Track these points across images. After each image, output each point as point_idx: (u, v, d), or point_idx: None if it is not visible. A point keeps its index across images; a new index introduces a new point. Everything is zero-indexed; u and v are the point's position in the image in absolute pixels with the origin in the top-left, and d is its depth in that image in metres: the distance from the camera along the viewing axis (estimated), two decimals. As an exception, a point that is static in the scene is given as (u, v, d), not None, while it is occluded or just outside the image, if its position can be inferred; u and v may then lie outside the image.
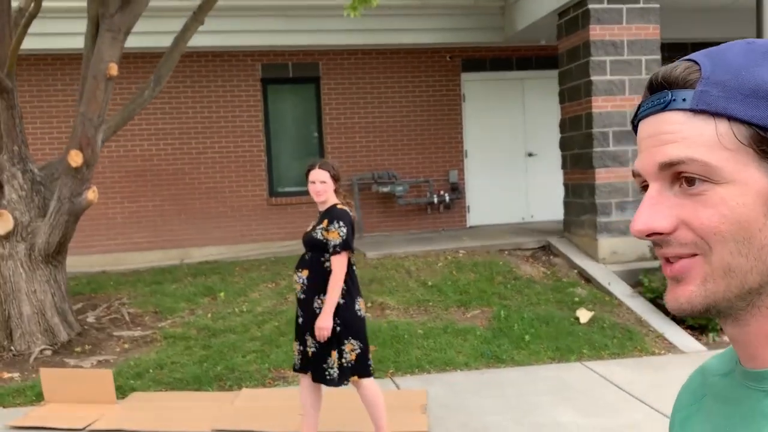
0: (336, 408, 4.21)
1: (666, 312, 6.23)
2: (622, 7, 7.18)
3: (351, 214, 3.62)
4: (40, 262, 5.68)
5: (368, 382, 3.67)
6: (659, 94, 0.64)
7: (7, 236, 5.60)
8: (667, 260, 0.64)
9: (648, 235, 0.63)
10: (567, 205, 8.00)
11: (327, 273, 3.53)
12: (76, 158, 5.12)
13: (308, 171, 3.66)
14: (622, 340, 5.73)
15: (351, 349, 3.59)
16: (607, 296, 6.56)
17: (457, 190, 9.71)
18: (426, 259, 7.59)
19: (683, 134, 0.62)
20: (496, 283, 7.00)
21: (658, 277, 6.45)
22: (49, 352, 5.61)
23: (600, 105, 7.21)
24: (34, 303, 5.67)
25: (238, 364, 5.32)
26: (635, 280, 6.92)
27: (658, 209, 0.63)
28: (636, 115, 0.68)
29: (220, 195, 9.18)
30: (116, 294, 7.32)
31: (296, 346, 3.68)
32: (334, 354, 3.54)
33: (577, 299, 6.51)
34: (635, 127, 0.69)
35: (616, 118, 7.24)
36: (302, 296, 3.58)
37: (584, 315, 6.12)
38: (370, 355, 3.69)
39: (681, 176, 0.62)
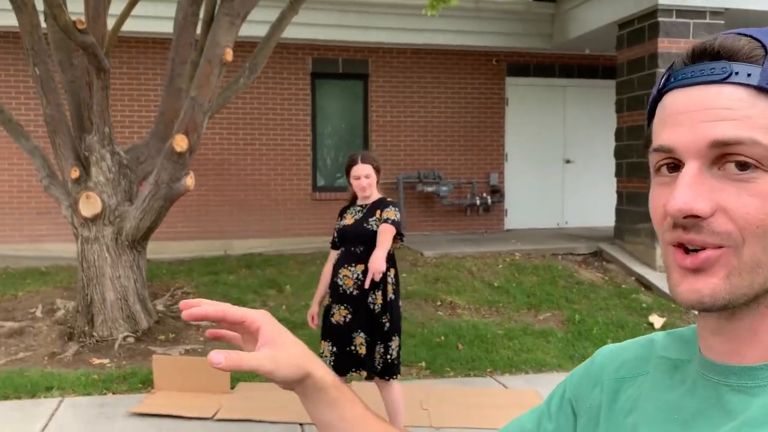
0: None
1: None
2: (689, 21, 7.35)
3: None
4: (126, 247, 5.56)
5: (397, 384, 3.65)
6: (715, 63, 0.58)
7: (94, 219, 5.47)
8: (684, 249, 0.59)
9: (684, 217, 0.57)
10: (620, 212, 8.13)
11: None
12: (181, 143, 5.03)
13: (350, 165, 3.55)
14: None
15: (396, 345, 3.58)
16: (673, 303, 6.69)
17: (498, 192, 9.79)
18: (484, 260, 7.64)
19: (745, 112, 0.56)
20: (560, 286, 7.08)
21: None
22: (131, 340, 5.49)
23: (664, 116, 7.35)
24: (118, 289, 5.55)
25: (334, 357, 5.29)
26: (692, 288, 7.07)
27: (699, 190, 0.57)
28: (667, 81, 0.62)
29: (265, 187, 9.09)
30: (173, 282, 7.21)
31: (327, 346, 3.54)
32: (380, 348, 3.51)
33: (644, 305, 6.63)
34: (658, 97, 0.63)
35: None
36: (355, 292, 3.47)
37: (657, 321, 6.24)
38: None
39: (729, 158, 0.57)
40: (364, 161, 3.51)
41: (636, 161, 7.75)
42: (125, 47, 8.30)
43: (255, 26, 6.56)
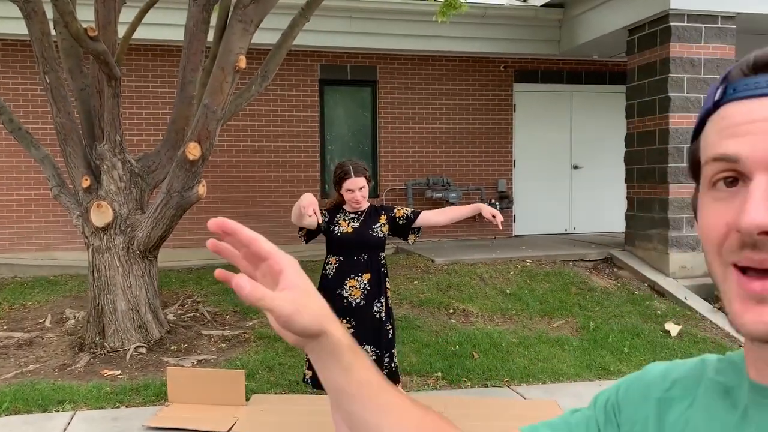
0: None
1: (751, 328, 6.32)
2: (701, 26, 7.31)
3: None
4: (137, 257, 5.51)
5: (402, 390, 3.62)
6: None
7: (106, 228, 5.41)
8: (743, 272, 0.56)
9: (759, 234, 0.54)
10: (631, 218, 8.07)
11: (383, 273, 3.46)
12: (193, 151, 4.98)
13: (343, 178, 3.39)
14: (720, 354, 5.79)
15: (396, 352, 3.58)
16: (688, 311, 6.63)
17: (506, 198, 9.74)
18: (496, 267, 7.58)
19: None
20: (573, 293, 7.02)
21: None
22: (143, 350, 5.43)
23: (676, 121, 7.31)
24: (130, 298, 5.49)
25: (348, 367, 5.22)
26: (706, 294, 7.01)
27: None
28: (725, 93, 0.60)
29: (274, 195, 9.04)
30: (183, 291, 7.15)
31: None
32: (386, 357, 3.45)
33: (659, 313, 6.57)
34: (713, 109, 0.61)
35: (690, 135, 7.34)
36: (362, 302, 3.38)
37: (674, 329, 6.17)
38: None
39: None
40: (357, 174, 3.39)
41: (647, 167, 7.69)
42: (133, 55, 8.26)
43: (265, 33, 6.52)
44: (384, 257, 3.52)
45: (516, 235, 9.92)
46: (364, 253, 3.41)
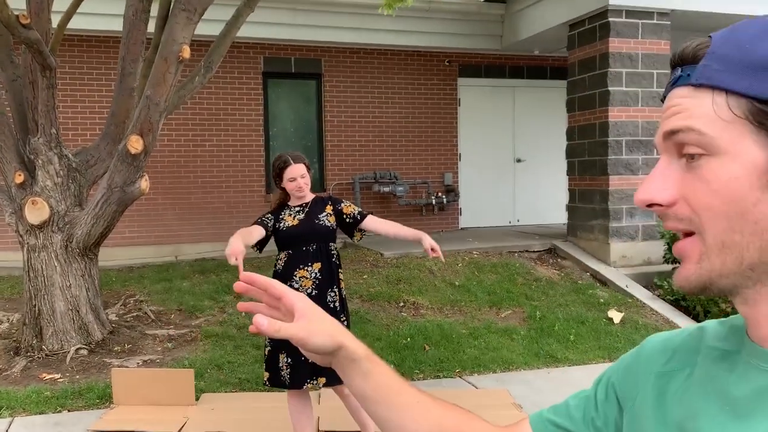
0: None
1: (688, 313, 6.58)
2: (638, 22, 7.53)
3: None
4: (77, 255, 5.28)
5: None
6: (673, 71, 0.66)
7: (42, 226, 5.17)
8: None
9: (648, 206, 0.64)
10: (572, 210, 8.26)
11: (335, 264, 3.45)
12: (135, 144, 4.80)
13: (283, 168, 3.41)
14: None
15: None
16: (629, 298, 6.84)
17: (452, 192, 9.83)
18: (445, 259, 7.61)
19: (684, 106, 0.62)
20: (519, 284, 7.14)
21: (678, 280, 6.79)
22: (84, 352, 5.21)
23: (615, 114, 7.52)
24: (69, 299, 5.27)
25: (300, 363, 5.15)
26: (646, 282, 7.26)
27: (662, 181, 0.63)
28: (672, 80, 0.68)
29: (217, 190, 8.85)
30: (124, 290, 6.91)
31: (284, 359, 3.29)
32: None
33: (601, 301, 6.75)
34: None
35: (629, 127, 7.57)
36: (314, 292, 3.34)
37: (616, 316, 6.35)
38: None
39: (684, 149, 0.62)
40: (297, 161, 3.40)
41: (588, 159, 7.89)
42: (68, 45, 7.92)
43: (209, 25, 6.36)
44: (335, 248, 3.48)
45: (462, 228, 10.02)
46: (312, 243, 3.38)
